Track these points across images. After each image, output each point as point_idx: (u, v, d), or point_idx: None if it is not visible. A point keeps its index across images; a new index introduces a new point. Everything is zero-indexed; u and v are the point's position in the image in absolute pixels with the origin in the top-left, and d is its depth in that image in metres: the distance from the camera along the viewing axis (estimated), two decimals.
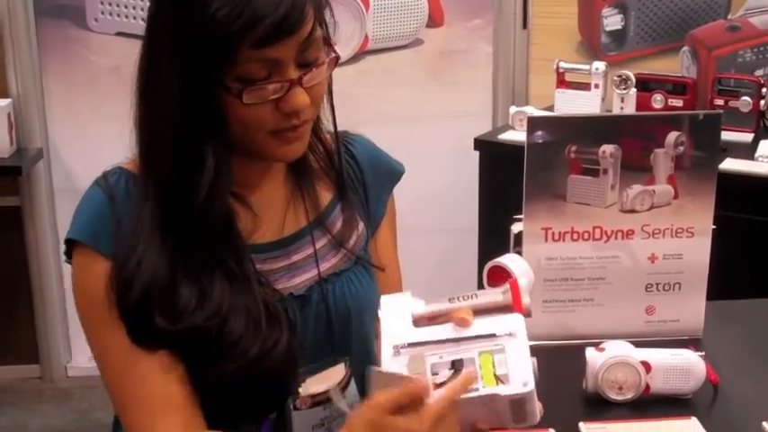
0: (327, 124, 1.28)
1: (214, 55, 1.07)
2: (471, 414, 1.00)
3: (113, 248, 1.14)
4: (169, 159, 1.13)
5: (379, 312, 1.06)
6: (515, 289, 1.06)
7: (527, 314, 1.05)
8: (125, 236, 1.13)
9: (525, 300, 1.06)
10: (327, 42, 1.17)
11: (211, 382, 1.15)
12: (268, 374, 1.15)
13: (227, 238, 1.16)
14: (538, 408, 1.01)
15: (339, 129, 1.29)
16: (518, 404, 0.99)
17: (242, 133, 1.13)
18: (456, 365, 1.00)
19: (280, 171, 1.27)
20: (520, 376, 0.99)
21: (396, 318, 1.04)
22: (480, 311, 1.05)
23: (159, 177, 1.14)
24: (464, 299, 1.06)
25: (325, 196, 1.30)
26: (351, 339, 1.26)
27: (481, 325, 1.02)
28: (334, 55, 1.17)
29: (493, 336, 1.01)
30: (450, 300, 1.06)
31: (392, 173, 1.40)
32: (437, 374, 0.99)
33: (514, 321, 1.03)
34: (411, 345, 1.01)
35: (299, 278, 1.25)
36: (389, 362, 1.00)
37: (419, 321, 1.04)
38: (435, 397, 0.96)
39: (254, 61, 1.08)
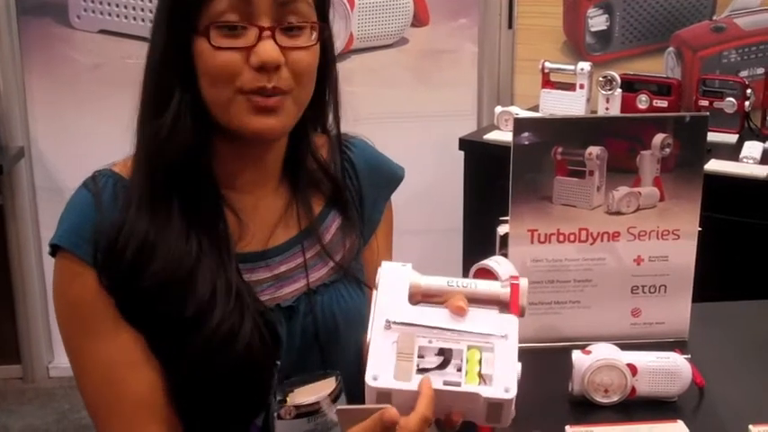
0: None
1: None
2: (448, 405, 1.00)
3: (95, 255, 1.13)
4: (144, 105, 1.16)
5: (378, 277, 1.05)
6: (515, 288, 1.06)
7: (521, 315, 1.05)
8: (109, 232, 1.13)
9: (523, 301, 1.06)
10: (321, 21, 1.16)
11: (187, 373, 1.14)
12: (242, 365, 1.14)
13: (197, 197, 1.16)
14: (512, 413, 1.00)
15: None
16: (495, 407, 0.99)
17: (212, 88, 1.12)
18: (444, 353, 0.99)
19: (273, 177, 1.25)
20: (503, 380, 0.98)
21: (393, 289, 1.03)
22: (476, 300, 1.04)
23: (139, 129, 1.17)
24: (463, 285, 1.05)
25: (319, 203, 1.28)
26: (339, 352, 1.24)
27: (476, 319, 1.01)
28: (324, 29, 1.17)
29: (487, 334, 1.00)
30: (448, 283, 1.05)
31: (391, 179, 1.38)
32: (423, 357, 0.99)
33: (509, 323, 1.02)
34: (404, 324, 1.00)
35: (287, 289, 1.23)
36: (380, 334, 1.00)
37: (414, 295, 1.04)
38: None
39: None
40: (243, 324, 1.14)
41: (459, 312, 1.01)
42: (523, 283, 1.06)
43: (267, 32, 1.10)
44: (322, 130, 1.29)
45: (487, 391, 0.98)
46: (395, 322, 1.00)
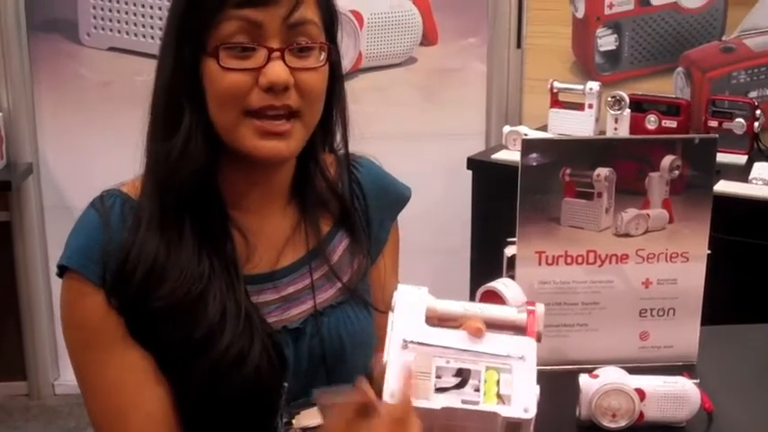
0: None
1: (201, 14, 1.09)
2: (464, 426, 0.98)
3: (103, 276, 1.12)
4: (154, 126, 1.15)
5: (394, 299, 1.04)
6: (532, 314, 1.05)
7: (537, 341, 1.04)
8: (117, 253, 1.12)
9: (539, 327, 1.05)
10: (330, 42, 1.16)
11: (196, 396, 1.13)
12: (250, 387, 1.13)
13: (206, 218, 1.16)
14: None
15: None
16: (513, 429, 0.98)
17: (219, 109, 1.12)
18: (462, 374, 0.99)
19: (281, 197, 1.24)
20: (522, 401, 0.97)
21: (410, 311, 1.02)
22: (491, 325, 1.04)
23: (149, 150, 1.16)
24: (479, 309, 1.05)
25: (326, 223, 1.27)
26: (345, 374, 1.22)
27: (494, 342, 1.01)
28: (333, 51, 1.16)
29: (505, 356, 1.00)
30: (464, 308, 1.05)
31: (398, 199, 1.37)
32: (440, 377, 0.98)
33: (528, 345, 1.01)
34: (421, 344, 1.00)
35: (294, 310, 1.22)
36: (396, 354, 0.99)
37: (430, 319, 1.03)
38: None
39: (236, 19, 1.08)
40: (252, 346, 1.13)
41: (477, 334, 1.00)
42: (540, 309, 1.06)
43: (276, 53, 1.10)
44: (329, 150, 1.29)
45: (506, 411, 0.97)
46: (412, 342, 1.00)
